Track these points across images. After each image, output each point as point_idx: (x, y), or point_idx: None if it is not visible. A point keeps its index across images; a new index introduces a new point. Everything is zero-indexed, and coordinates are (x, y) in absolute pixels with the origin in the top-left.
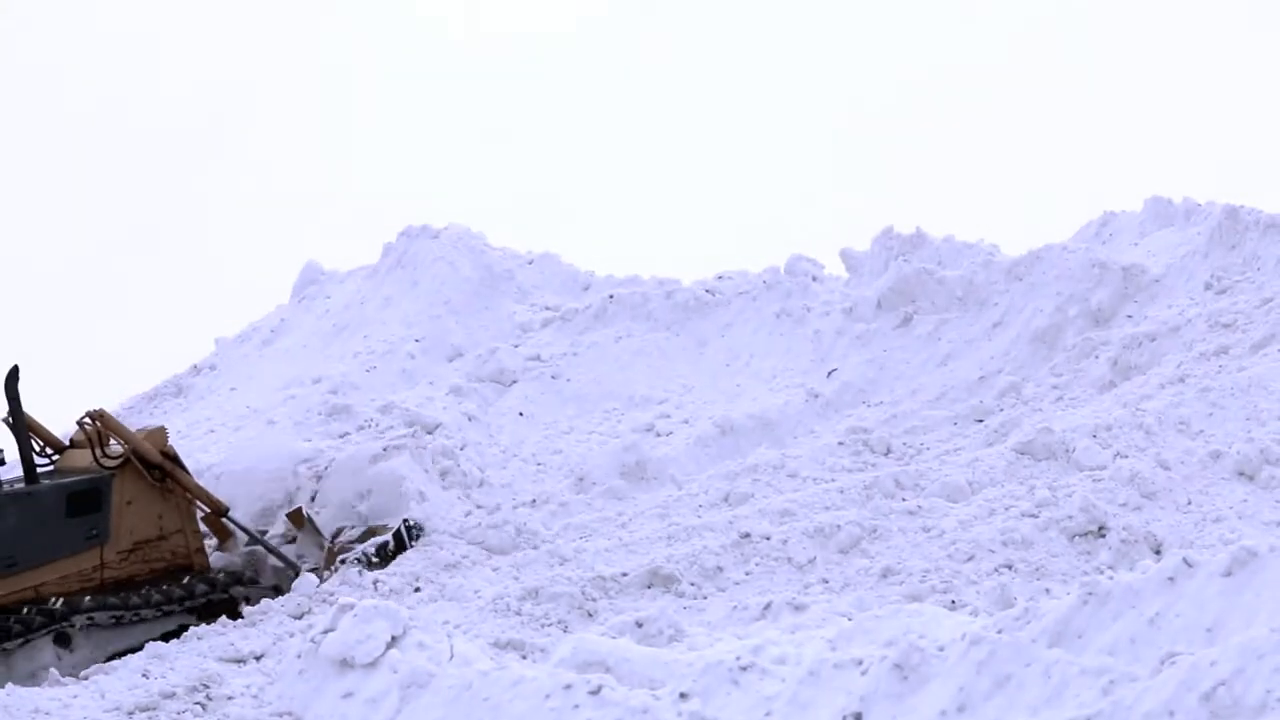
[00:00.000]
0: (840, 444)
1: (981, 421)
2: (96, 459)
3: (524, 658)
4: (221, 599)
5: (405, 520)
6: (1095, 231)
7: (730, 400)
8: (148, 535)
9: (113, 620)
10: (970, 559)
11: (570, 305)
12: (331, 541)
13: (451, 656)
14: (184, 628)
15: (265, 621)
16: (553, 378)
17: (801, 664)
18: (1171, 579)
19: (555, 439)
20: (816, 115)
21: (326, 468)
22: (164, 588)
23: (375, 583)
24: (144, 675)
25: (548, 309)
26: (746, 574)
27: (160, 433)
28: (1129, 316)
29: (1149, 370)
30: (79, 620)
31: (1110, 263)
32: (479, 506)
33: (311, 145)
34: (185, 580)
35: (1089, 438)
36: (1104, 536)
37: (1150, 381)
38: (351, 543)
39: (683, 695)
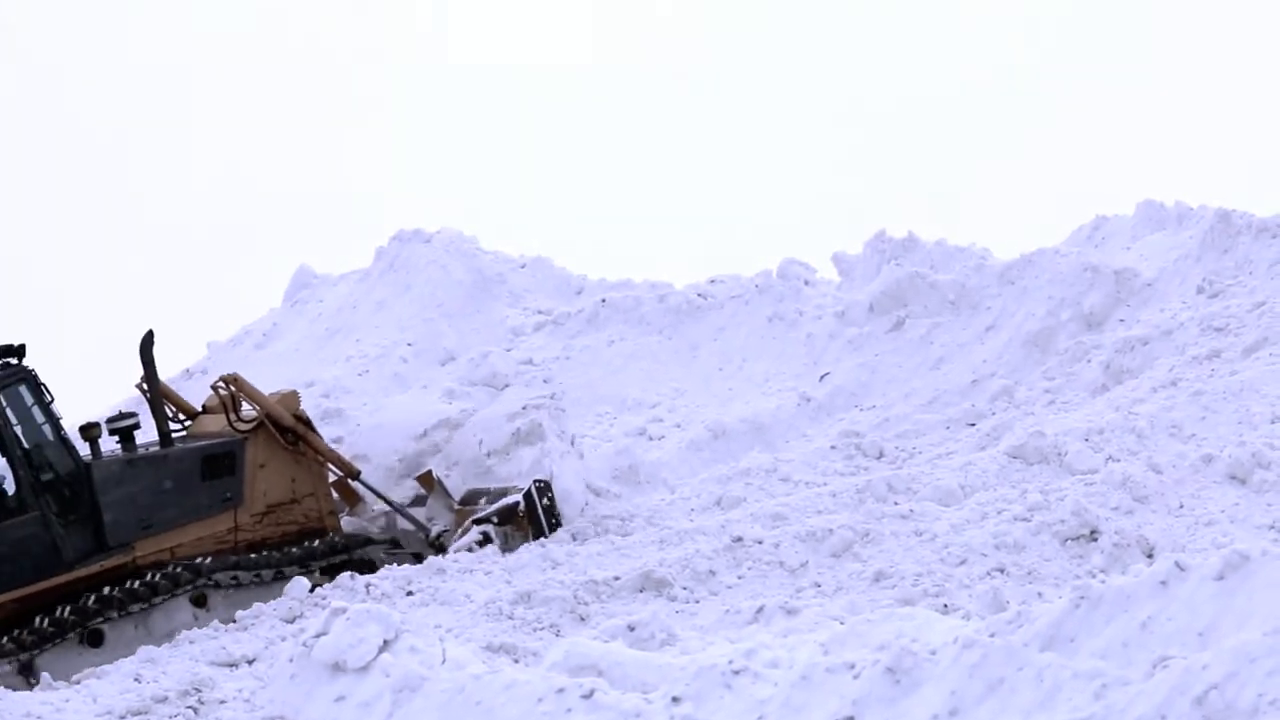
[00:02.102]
0: (832, 448)
1: (974, 425)
2: (230, 423)
3: (516, 661)
4: (354, 560)
5: (536, 480)
6: (1087, 235)
7: (722, 404)
8: (281, 498)
9: (249, 580)
10: (962, 563)
11: (563, 309)
12: (461, 504)
13: (444, 660)
14: (317, 588)
15: (257, 625)
16: (545, 381)
17: (794, 668)
18: (1164, 583)
19: None
20: (808, 120)
21: (458, 430)
22: (297, 548)
23: (368, 586)
24: (136, 679)
25: (540, 313)
26: (739, 578)
27: (293, 396)
28: (1121, 320)
29: (1141, 374)
30: (221, 578)
31: (1102, 266)
32: None
33: (303, 148)
34: (317, 541)
35: (1081, 441)
36: (1096, 540)
37: (1142, 385)
38: (481, 504)
39: (675, 699)
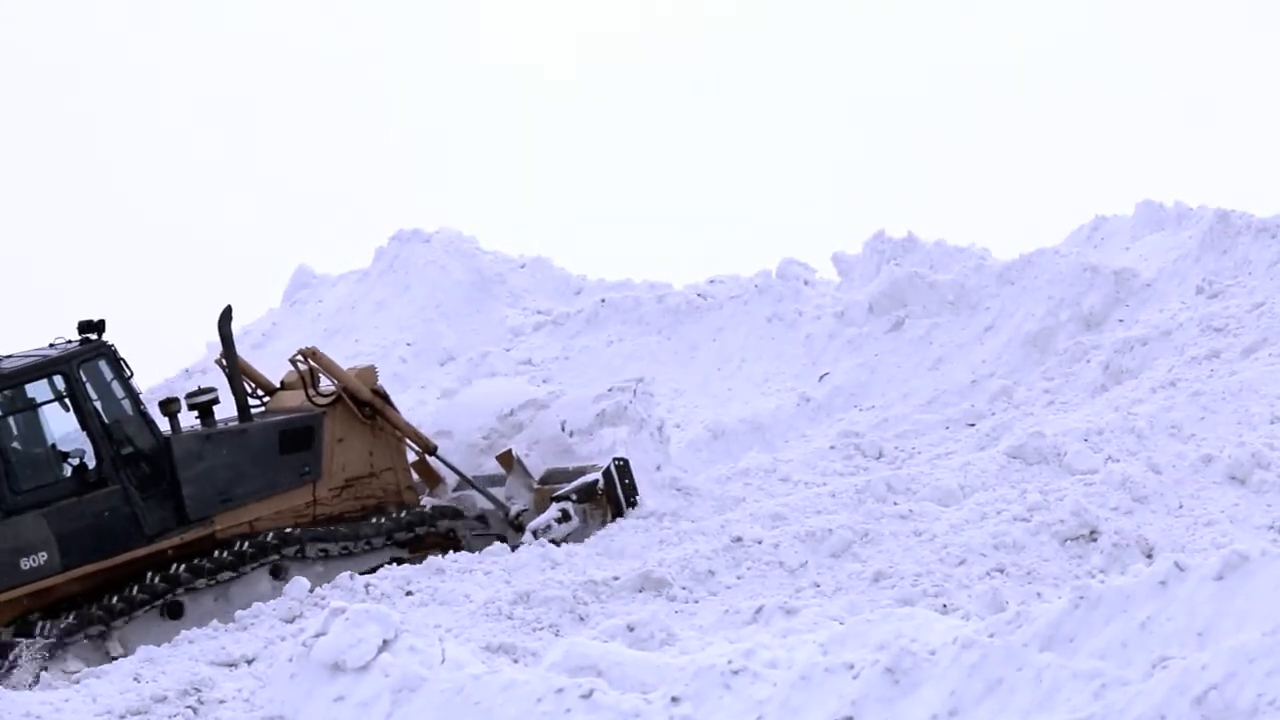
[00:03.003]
0: (832, 448)
1: (973, 425)
2: (309, 397)
3: (515, 661)
4: (431, 533)
5: (616, 459)
6: (1087, 235)
7: (722, 404)
8: (359, 472)
9: (325, 554)
10: (962, 563)
11: (562, 309)
12: (540, 483)
13: (443, 660)
14: (396, 561)
15: (256, 625)
16: (544, 381)
17: (793, 668)
18: (1163, 583)
19: None
20: (807, 120)
21: (539, 411)
22: (375, 520)
23: (367, 587)
24: (135, 679)
25: (539, 313)
26: (738, 578)
27: (370, 371)
28: (1120, 320)
29: (1140, 374)
30: (294, 551)
31: (1102, 267)
32: None
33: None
34: (395, 514)
35: (1080, 442)
36: (1095, 540)
37: (1142, 385)
38: (559, 483)
39: (674, 699)
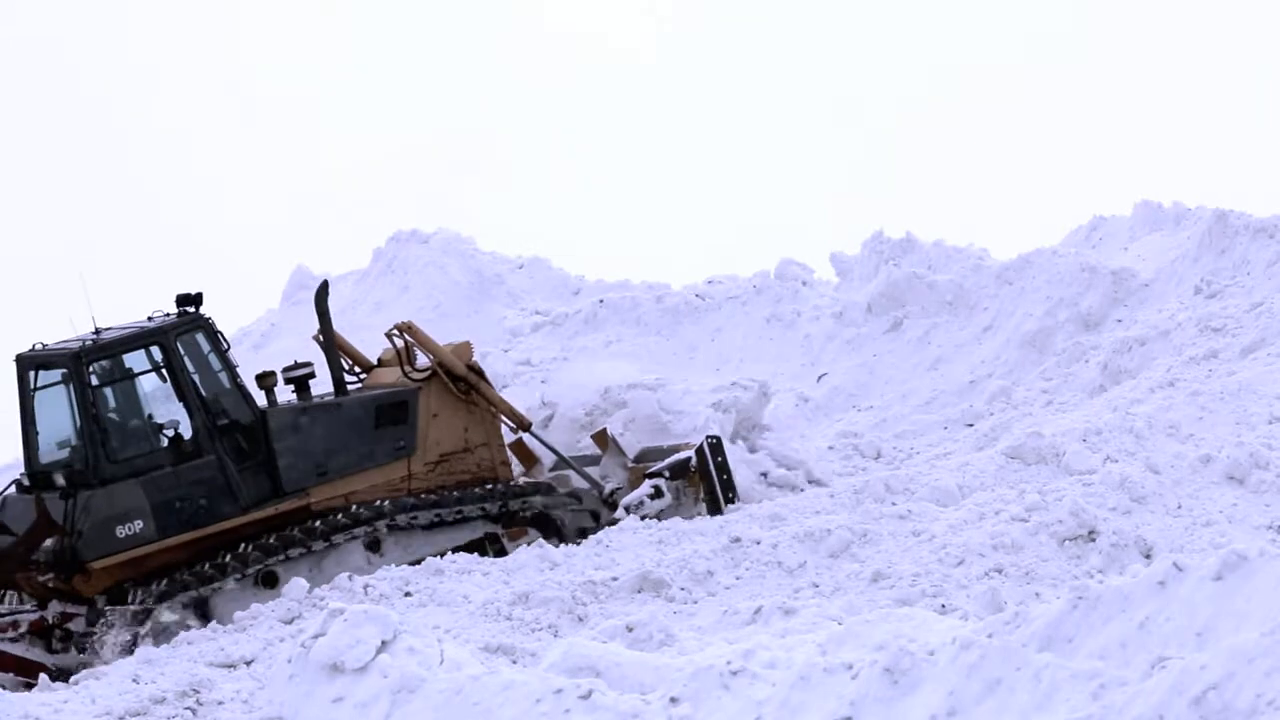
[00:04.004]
0: (830, 448)
1: (971, 426)
2: (404, 372)
3: (514, 662)
4: (525, 507)
5: (709, 437)
6: (1085, 236)
7: None
8: (453, 447)
9: (420, 526)
10: (960, 563)
11: (560, 310)
12: (635, 461)
13: (442, 661)
14: (490, 536)
15: (255, 626)
16: (543, 382)
17: (792, 668)
18: (1162, 583)
19: None
20: (806, 120)
21: (639, 392)
22: (469, 493)
23: (365, 588)
24: (134, 680)
25: (538, 313)
26: (737, 578)
27: (465, 346)
28: (1119, 321)
29: (1139, 374)
30: (389, 524)
31: (1100, 267)
32: None
33: (300, 149)
34: (489, 489)
35: (1079, 442)
36: (1094, 541)
37: (1140, 385)
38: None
39: (673, 700)
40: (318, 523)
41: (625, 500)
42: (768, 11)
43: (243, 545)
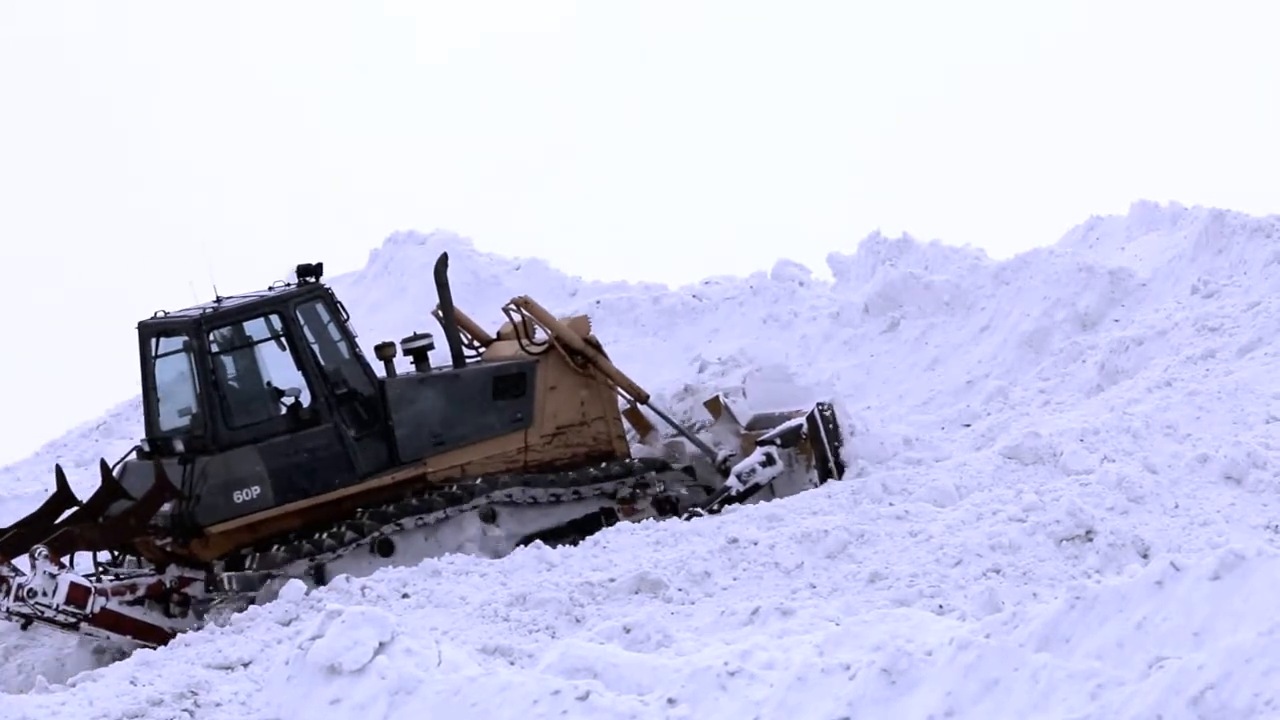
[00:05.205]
0: None
1: (969, 426)
2: (522, 345)
3: (512, 663)
4: (642, 485)
5: (820, 404)
6: (1082, 236)
7: None
8: (570, 420)
9: (536, 499)
10: (958, 563)
11: (557, 311)
12: (747, 429)
13: (439, 662)
14: (605, 510)
15: (253, 628)
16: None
17: (789, 669)
18: (1159, 583)
19: None
20: (803, 120)
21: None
22: (588, 471)
23: (363, 589)
24: (131, 682)
25: None
26: (734, 579)
27: (584, 320)
28: (1116, 320)
29: (1136, 374)
30: (506, 495)
31: (1097, 267)
32: None
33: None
34: (605, 465)
35: (1076, 442)
36: (1091, 541)
37: (1137, 385)
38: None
39: (670, 700)
40: (434, 494)
41: (737, 468)
42: (765, 12)
43: (359, 513)
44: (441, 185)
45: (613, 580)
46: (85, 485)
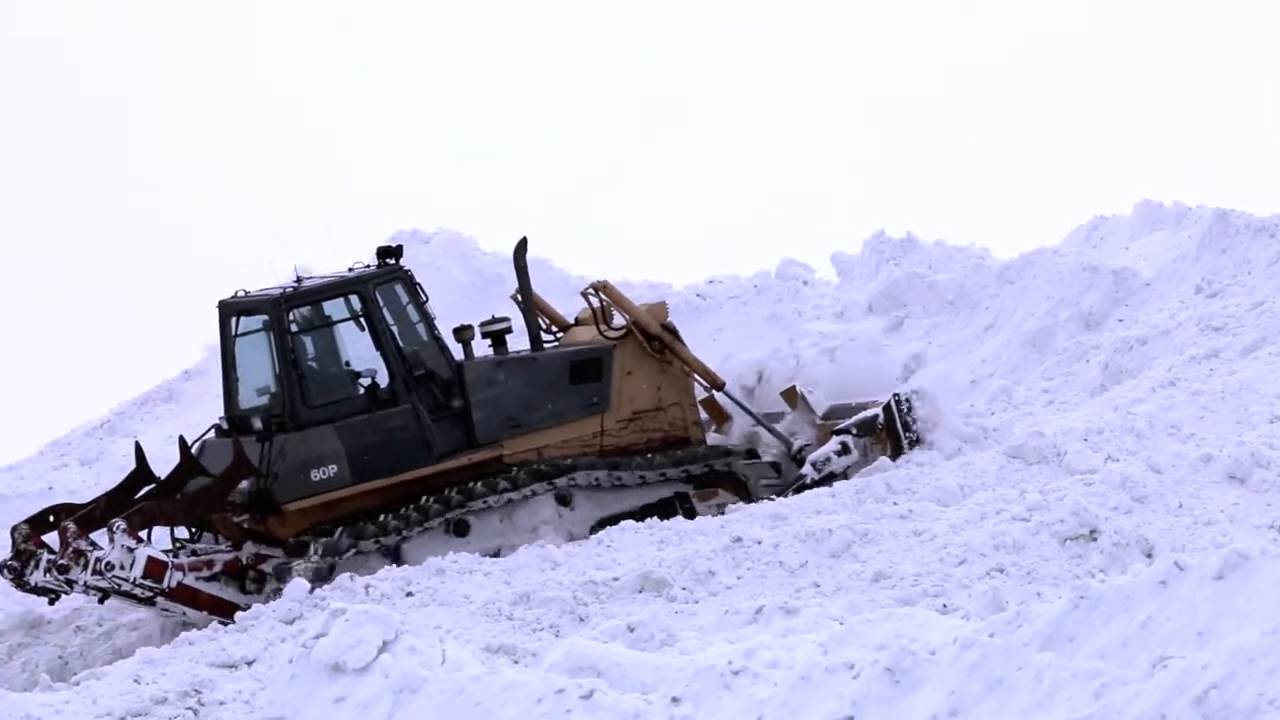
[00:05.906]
0: None
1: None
2: (599, 330)
3: (515, 662)
4: (717, 471)
5: (896, 395)
6: (1086, 235)
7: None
8: (646, 406)
9: (612, 483)
10: (962, 563)
11: (562, 310)
12: (823, 419)
13: (443, 661)
14: (680, 496)
15: (257, 627)
16: None
17: (793, 668)
18: (1163, 583)
19: None
20: (807, 119)
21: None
22: (663, 455)
23: (367, 588)
24: (135, 680)
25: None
26: (738, 578)
27: (661, 306)
28: (1120, 320)
29: (1140, 374)
30: (582, 478)
31: (1101, 266)
32: None
33: (300, 149)
34: (682, 450)
35: (1080, 441)
36: (1095, 540)
37: (1141, 385)
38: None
39: (674, 699)
40: (507, 476)
41: (812, 457)
42: (769, 11)
43: (435, 493)
44: (446, 184)
45: (616, 579)
46: (88, 486)
